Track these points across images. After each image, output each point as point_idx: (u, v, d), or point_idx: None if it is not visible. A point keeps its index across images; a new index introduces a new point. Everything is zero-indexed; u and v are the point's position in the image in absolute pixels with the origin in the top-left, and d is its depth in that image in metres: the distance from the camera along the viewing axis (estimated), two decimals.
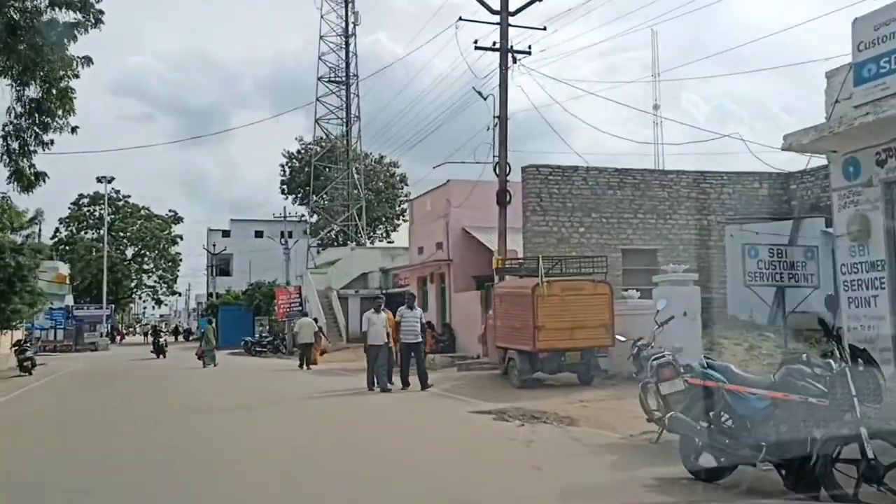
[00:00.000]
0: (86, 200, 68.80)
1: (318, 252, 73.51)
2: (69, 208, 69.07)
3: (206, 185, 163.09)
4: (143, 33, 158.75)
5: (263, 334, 44.96)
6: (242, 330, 53.20)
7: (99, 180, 52.62)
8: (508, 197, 17.46)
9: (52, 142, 21.27)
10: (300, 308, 39.00)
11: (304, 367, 27.06)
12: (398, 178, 77.04)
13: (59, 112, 21.03)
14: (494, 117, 17.02)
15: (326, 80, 61.40)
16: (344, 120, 61.71)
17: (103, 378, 24.37)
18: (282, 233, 78.73)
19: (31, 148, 20.30)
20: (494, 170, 17.28)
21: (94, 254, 61.29)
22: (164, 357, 36.22)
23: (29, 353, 26.42)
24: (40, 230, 31.37)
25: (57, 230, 69.50)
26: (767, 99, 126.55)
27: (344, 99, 61.81)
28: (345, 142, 61.80)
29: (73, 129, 21.28)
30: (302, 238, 79.25)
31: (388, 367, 15.96)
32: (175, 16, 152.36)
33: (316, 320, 32.31)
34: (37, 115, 21.12)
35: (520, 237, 18.22)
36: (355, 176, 62.63)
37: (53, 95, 20.98)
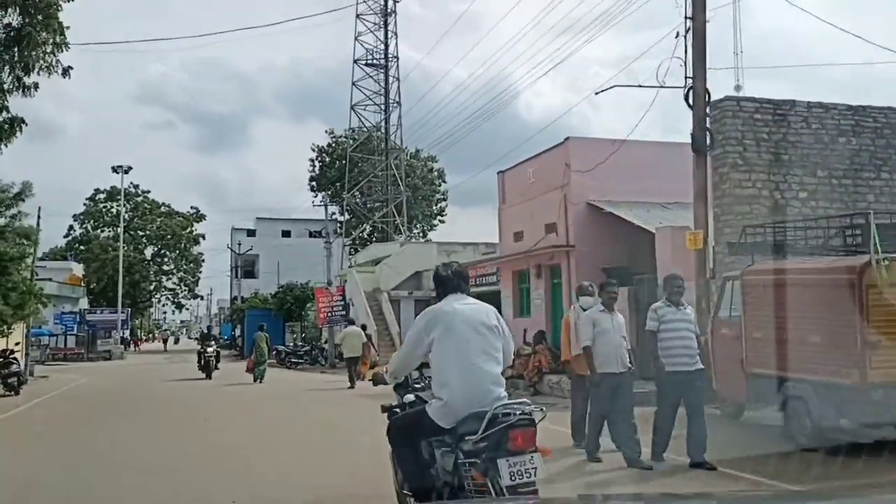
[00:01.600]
0: (102, 195, 63.60)
1: (353, 252, 68.05)
2: (84, 204, 63.97)
3: (226, 192, 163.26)
4: (164, 42, 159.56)
5: (298, 343, 39.31)
6: (272, 337, 47.68)
7: (115, 170, 47.35)
8: (709, 139, 11.53)
9: (35, 85, 15.83)
10: (343, 312, 33.31)
11: (353, 385, 21.85)
12: (436, 174, 71.48)
13: (47, 42, 15.46)
14: (686, 18, 11.23)
15: (363, 62, 55.79)
16: (382, 107, 55.97)
17: (112, 404, 18.76)
18: (321, 231, 73.37)
19: (6, 86, 14.77)
20: (686, 99, 11.50)
21: (110, 253, 55.98)
22: (211, 377, 26.58)
23: (16, 368, 20.79)
24: (39, 221, 25.52)
25: (71, 228, 64.50)
26: None
27: (382, 84, 56.11)
28: (382, 131, 55.99)
29: (66, 71, 15.90)
30: (332, 237, 73.97)
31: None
32: (195, 24, 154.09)
33: (364, 327, 26.69)
34: (16, 48, 15.61)
35: (703, 208, 12.24)
36: (393, 167, 56.95)
37: (39, 21, 15.45)
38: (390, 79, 55.79)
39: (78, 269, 61.33)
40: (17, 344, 24.14)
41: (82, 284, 59.88)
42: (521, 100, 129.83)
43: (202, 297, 78.25)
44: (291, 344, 38.64)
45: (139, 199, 65.18)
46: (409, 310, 32.69)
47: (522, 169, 19.32)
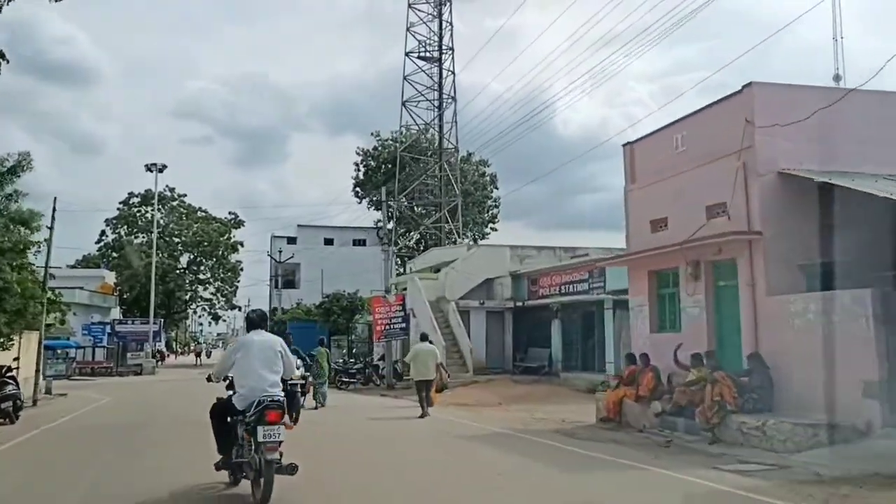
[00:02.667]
0: (136, 199, 60.02)
1: (401, 263, 63.67)
2: (118, 208, 60.45)
3: (263, 207, 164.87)
4: (202, 58, 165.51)
5: (349, 360, 34.84)
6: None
7: (148, 169, 43.56)
8: None
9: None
10: (403, 325, 28.86)
11: (424, 413, 17.81)
12: (488, 179, 66.97)
13: None
14: None
15: (415, 55, 51.60)
16: (435, 103, 51.63)
17: (129, 438, 14.38)
18: (365, 239, 69.14)
19: None
20: None
21: (143, 259, 52.25)
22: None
23: (11, 390, 16.57)
24: (54, 213, 21.54)
25: (103, 233, 60.93)
26: None
27: (435, 79, 51.81)
28: (435, 128, 51.63)
29: None
30: (376, 245, 69.73)
31: None
32: (233, 40, 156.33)
33: (430, 342, 22.34)
34: None
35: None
36: (446, 168, 52.54)
37: None
38: (444, 72, 51.49)
39: (111, 278, 57.85)
40: (15, 359, 19.90)
41: (115, 293, 56.32)
42: (557, 115, 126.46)
43: (240, 308, 73.95)
44: (341, 361, 34.17)
45: (174, 203, 61.51)
46: (479, 322, 28.28)
47: (664, 136, 14.56)
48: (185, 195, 61.70)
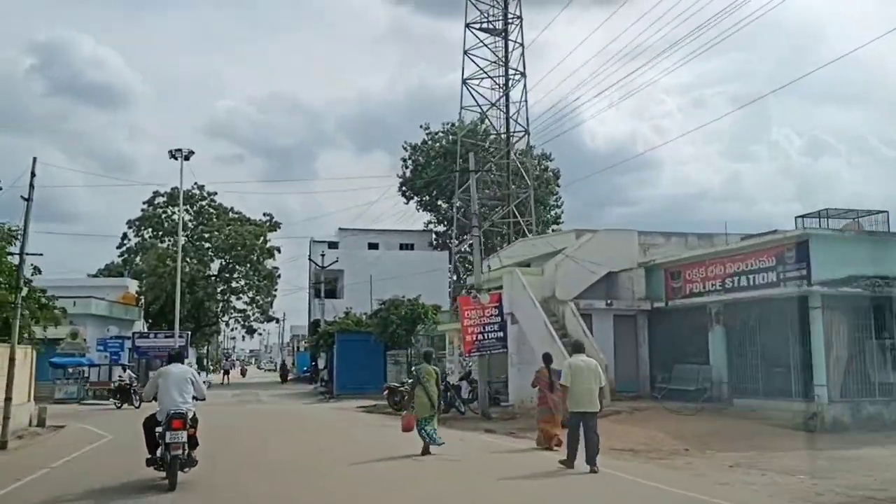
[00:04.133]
0: (162, 199, 53.57)
1: (462, 270, 56.56)
2: (142, 209, 54.01)
3: (293, 223, 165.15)
4: (232, 77, 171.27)
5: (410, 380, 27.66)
6: (370, 369, 36.48)
7: (172, 156, 37.06)
8: None
9: None
10: (500, 334, 21.85)
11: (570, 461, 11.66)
12: (552, 175, 59.84)
13: None
14: None
15: (476, 26, 44.79)
16: (499, 82, 44.69)
17: None
18: (442, 233, 62.18)
19: None
20: None
21: (168, 265, 45.79)
22: None
23: None
24: (32, 182, 14.56)
25: (125, 236, 54.54)
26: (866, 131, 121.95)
27: (498, 53, 44.92)
28: (500, 109, 44.66)
29: None
30: (426, 250, 62.77)
31: None
32: (262, 59, 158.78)
33: (549, 359, 15.59)
34: None
35: None
36: (513, 157, 45.54)
37: None
38: (510, 45, 44.59)
39: (134, 287, 51.49)
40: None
41: (139, 304, 49.86)
42: (584, 127, 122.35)
43: (277, 320, 67.41)
44: (404, 378, 27.15)
45: (203, 202, 54.96)
46: (605, 329, 21.31)
47: None
48: (216, 193, 55.21)
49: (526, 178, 44.69)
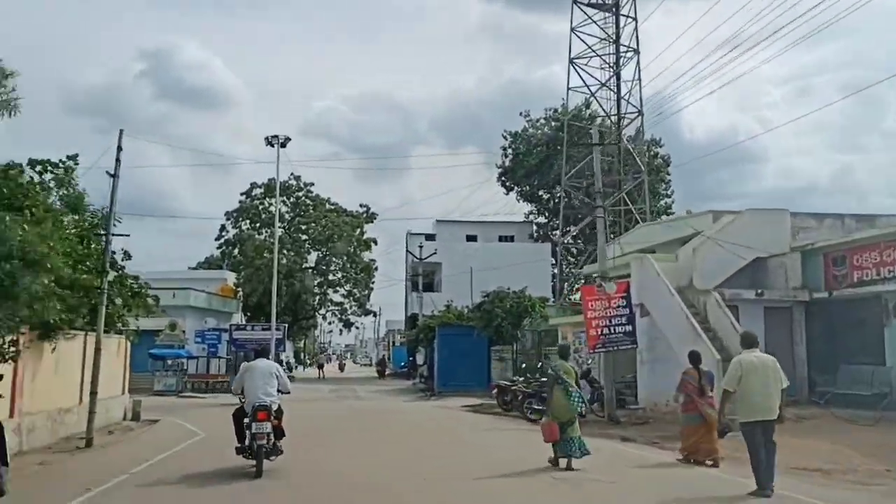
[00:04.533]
0: (259, 190, 52.92)
1: (570, 261, 53.93)
2: (239, 201, 53.53)
3: (387, 221, 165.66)
4: (328, 78, 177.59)
5: (520, 378, 25.23)
6: (473, 365, 34.34)
7: (268, 142, 35.78)
8: None
9: None
10: (629, 328, 19.30)
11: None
12: (662, 162, 56.28)
13: None
14: None
15: (585, 1, 41.97)
16: (610, 61, 41.77)
17: None
18: (543, 224, 59.67)
19: None
20: None
21: (265, 256, 44.89)
22: None
23: None
24: (119, 157, 12.68)
25: (223, 228, 54.16)
26: None
27: (607, 31, 41.96)
28: (610, 89, 41.72)
29: None
30: (527, 241, 60.25)
31: None
32: (357, 60, 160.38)
33: (697, 358, 12.91)
34: None
35: None
36: (625, 141, 42.52)
37: None
38: (622, 20, 41.60)
39: (232, 279, 51.05)
40: None
41: (237, 296, 49.31)
42: (683, 120, 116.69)
43: (375, 314, 65.99)
44: (519, 379, 24.82)
45: (300, 193, 53.98)
46: (755, 322, 18.34)
47: None
48: (312, 184, 54.14)
49: (639, 162, 41.64)
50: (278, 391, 11.19)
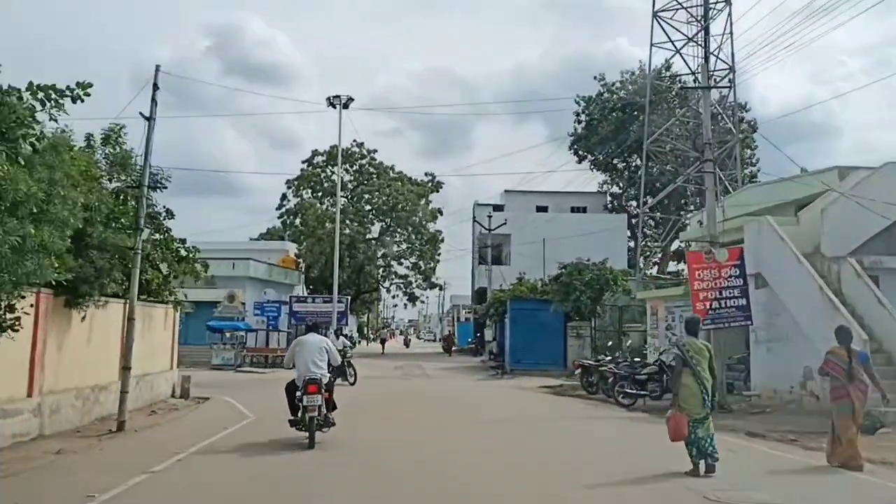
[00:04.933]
0: (321, 158, 50.96)
1: (635, 236, 50.66)
2: (301, 169, 51.69)
3: (449, 196, 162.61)
4: (391, 53, 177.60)
5: (604, 357, 22.51)
6: (548, 343, 31.77)
7: (331, 103, 33.70)
8: None
9: None
10: (743, 301, 16.52)
11: None
12: (749, 127, 52.23)
13: None
14: None
15: None
16: (697, 14, 38.19)
17: None
18: (619, 194, 56.50)
19: None
20: None
21: (327, 226, 42.98)
22: None
23: None
24: (155, 97, 10.35)
25: (284, 197, 52.47)
26: None
27: None
28: (696, 45, 38.20)
29: None
30: (601, 212, 57.08)
31: None
32: (421, 34, 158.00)
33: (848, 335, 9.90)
34: None
35: None
36: (713, 102, 38.89)
37: None
38: None
39: (294, 250, 49.44)
40: None
41: (298, 268, 47.68)
42: (755, 92, 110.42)
43: (441, 287, 63.60)
44: (605, 358, 22.17)
45: (363, 161, 51.83)
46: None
47: None
48: (376, 151, 51.92)
49: (730, 124, 38.11)
50: (329, 365, 11.45)
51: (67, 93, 8.81)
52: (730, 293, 16.57)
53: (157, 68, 13.54)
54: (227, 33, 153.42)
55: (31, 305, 11.41)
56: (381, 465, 9.59)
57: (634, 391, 18.19)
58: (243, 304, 37.97)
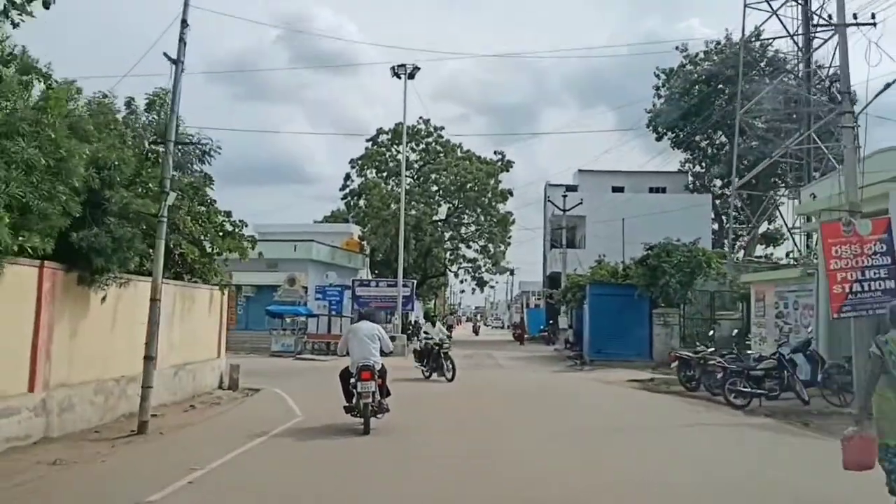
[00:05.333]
0: (386, 136, 48.81)
1: (718, 219, 47.18)
2: (365, 147, 49.58)
3: (515, 182, 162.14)
4: (457, 40, 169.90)
5: (701, 348, 19.57)
6: (631, 331, 28.84)
7: (395, 73, 31.43)
8: None
9: None
10: (890, 284, 13.45)
11: None
12: (833, 100, 47.75)
13: None
14: None
15: None
16: None
17: None
18: (701, 173, 52.89)
19: None
20: None
21: (392, 207, 40.85)
22: None
23: None
24: (179, 57, 7.87)
25: (347, 177, 50.50)
26: None
27: None
28: (795, 17, 34.58)
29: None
30: (681, 193, 53.50)
31: None
32: (488, 21, 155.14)
33: None
34: None
35: None
36: (799, 77, 35.45)
37: None
38: None
39: (357, 232, 47.55)
40: None
41: (362, 251, 45.72)
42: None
43: (512, 272, 60.77)
44: (707, 349, 19.27)
45: (430, 139, 49.44)
46: None
47: None
48: (443, 128, 49.43)
49: (834, 91, 34.37)
50: (381, 352, 11.50)
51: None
52: (874, 273, 13.60)
53: (186, 2, 11.33)
54: (296, 22, 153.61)
55: (32, 281, 9.39)
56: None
57: (749, 389, 15.38)
58: (305, 287, 36.20)
